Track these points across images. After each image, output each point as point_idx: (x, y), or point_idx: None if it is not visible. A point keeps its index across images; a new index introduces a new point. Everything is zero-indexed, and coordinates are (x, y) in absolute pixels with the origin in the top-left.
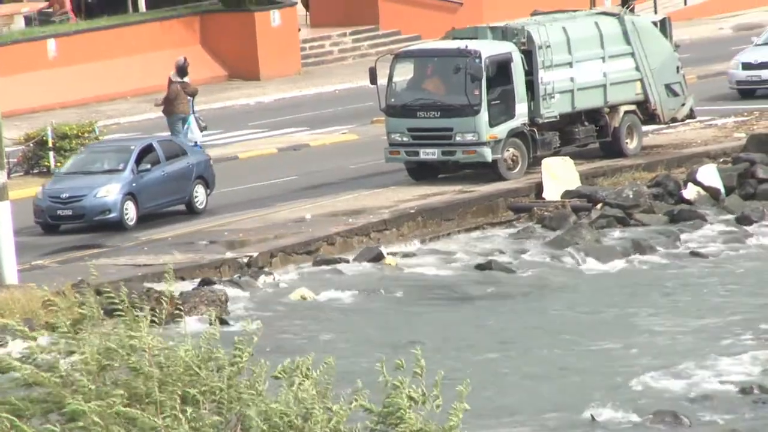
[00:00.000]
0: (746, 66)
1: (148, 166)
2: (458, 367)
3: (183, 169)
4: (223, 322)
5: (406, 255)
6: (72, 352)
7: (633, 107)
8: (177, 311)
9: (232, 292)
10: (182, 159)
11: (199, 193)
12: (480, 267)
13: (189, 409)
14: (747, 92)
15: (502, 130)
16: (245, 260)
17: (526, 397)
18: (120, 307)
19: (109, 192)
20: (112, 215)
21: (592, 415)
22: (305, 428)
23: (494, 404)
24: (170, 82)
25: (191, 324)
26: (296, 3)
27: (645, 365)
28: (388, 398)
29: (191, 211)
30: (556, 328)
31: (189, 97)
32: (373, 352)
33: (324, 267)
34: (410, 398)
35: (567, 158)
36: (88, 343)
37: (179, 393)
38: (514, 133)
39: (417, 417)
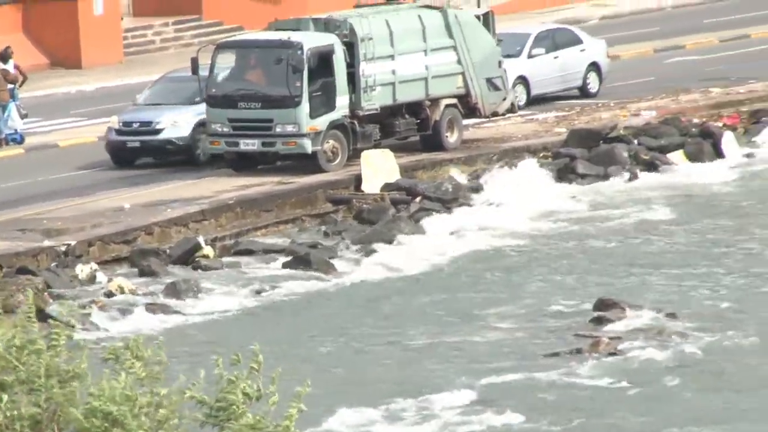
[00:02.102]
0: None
1: None
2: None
3: None
4: (41, 310)
5: (224, 248)
6: None
7: (454, 101)
8: None
9: (50, 279)
10: None
11: None
12: (294, 262)
13: (5, 397)
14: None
15: (322, 122)
16: (63, 249)
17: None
18: None
19: None
20: None
21: None
22: (128, 415)
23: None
24: None
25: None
26: None
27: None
28: (222, 392)
29: None
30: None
31: (9, 85)
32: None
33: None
34: (245, 394)
35: (387, 151)
36: None
37: None
38: (335, 125)
39: (251, 414)
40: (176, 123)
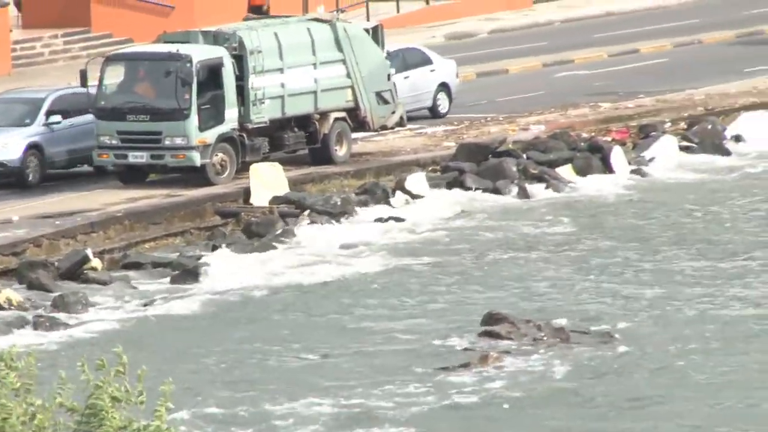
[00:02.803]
0: None
1: None
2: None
3: None
4: None
5: (113, 260)
6: None
7: (343, 114)
8: None
9: None
10: None
11: None
12: (182, 275)
13: None
14: None
15: (211, 135)
16: None
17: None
18: None
19: None
20: None
21: None
22: (4, 425)
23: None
24: None
25: None
26: (8, 3)
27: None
28: (90, 398)
29: None
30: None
31: None
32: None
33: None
34: (113, 398)
35: (276, 164)
36: None
37: None
38: (224, 138)
39: (120, 415)
40: (6, 145)
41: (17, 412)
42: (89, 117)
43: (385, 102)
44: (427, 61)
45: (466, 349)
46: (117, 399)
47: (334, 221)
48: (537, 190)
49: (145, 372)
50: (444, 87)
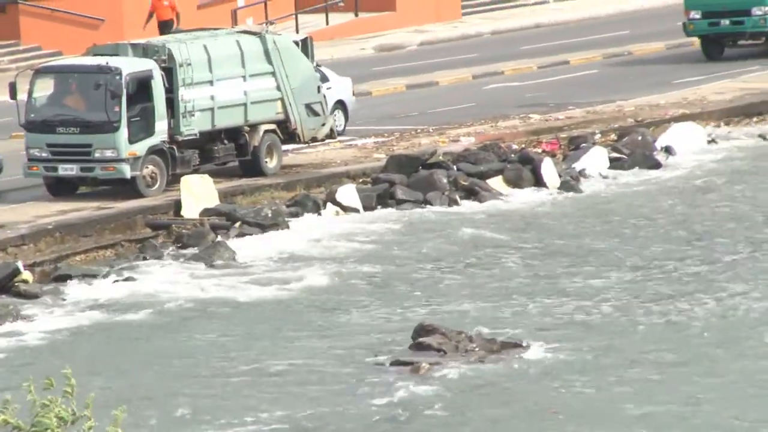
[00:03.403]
0: None
1: None
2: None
3: None
4: None
5: (44, 273)
6: None
7: (273, 126)
8: None
9: None
10: None
11: None
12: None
13: None
14: None
15: (141, 147)
16: None
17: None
18: None
19: None
20: None
21: None
22: None
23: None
24: None
25: None
26: None
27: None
28: (36, 417)
29: None
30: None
31: None
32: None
33: None
34: (59, 418)
35: (206, 176)
36: None
37: None
38: (154, 150)
39: None
40: None
41: None
42: None
43: (315, 114)
44: (323, 79)
45: (396, 362)
46: (63, 419)
47: (264, 233)
48: (467, 202)
49: (92, 398)
50: (341, 104)
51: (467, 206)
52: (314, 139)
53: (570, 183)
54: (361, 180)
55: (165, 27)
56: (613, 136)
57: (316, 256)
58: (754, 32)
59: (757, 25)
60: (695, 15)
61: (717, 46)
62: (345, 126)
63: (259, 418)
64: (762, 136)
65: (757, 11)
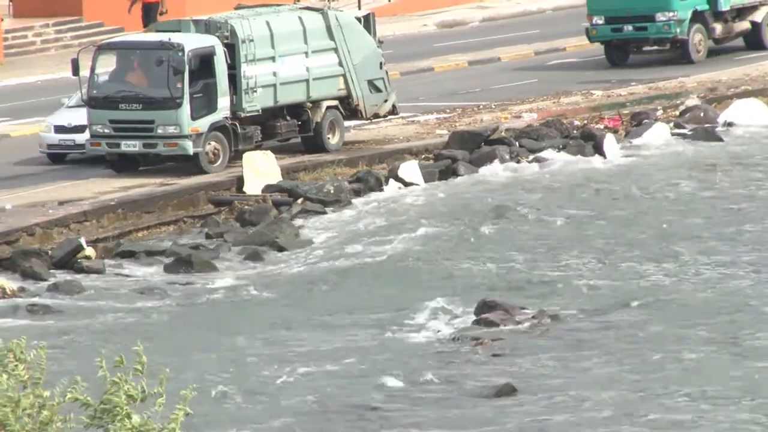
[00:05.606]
0: (59, 129)
1: None
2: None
3: None
4: None
5: (106, 249)
6: None
7: (335, 102)
8: None
9: None
10: None
11: None
12: (176, 264)
13: None
14: (58, 157)
15: (203, 124)
16: None
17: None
18: None
19: None
20: None
21: None
22: (11, 417)
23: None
24: None
25: None
26: None
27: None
28: (106, 394)
29: None
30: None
31: None
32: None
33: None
34: (129, 396)
35: (269, 152)
36: None
37: None
38: (216, 127)
39: (136, 415)
40: None
41: (24, 404)
42: None
43: (378, 90)
44: None
45: (460, 337)
46: (133, 397)
47: (327, 210)
48: (529, 166)
49: (166, 374)
50: None
51: (530, 168)
52: (376, 116)
53: (631, 158)
54: (423, 156)
55: (149, 10)
56: (675, 112)
57: (379, 232)
58: (658, 38)
59: (660, 31)
60: (598, 20)
61: (621, 53)
62: None
63: (329, 392)
64: None
65: (660, 17)
